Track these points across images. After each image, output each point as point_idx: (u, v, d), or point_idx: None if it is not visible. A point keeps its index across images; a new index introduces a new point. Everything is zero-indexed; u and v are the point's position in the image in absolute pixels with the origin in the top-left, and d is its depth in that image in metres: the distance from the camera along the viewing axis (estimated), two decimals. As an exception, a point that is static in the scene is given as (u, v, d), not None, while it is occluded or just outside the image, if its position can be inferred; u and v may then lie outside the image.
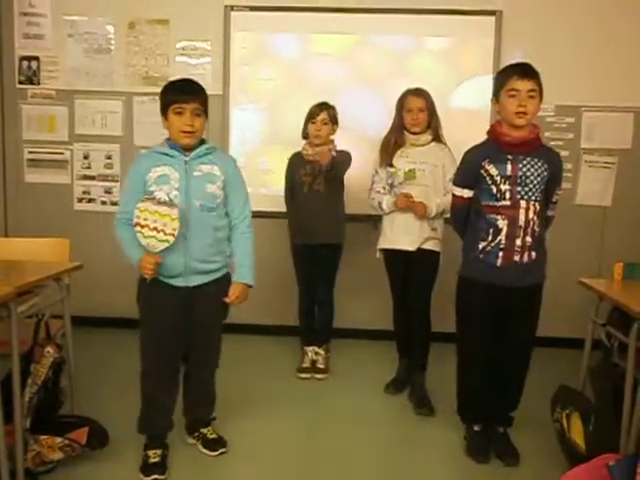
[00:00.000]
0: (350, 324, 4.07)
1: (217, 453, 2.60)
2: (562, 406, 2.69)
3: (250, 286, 2.55)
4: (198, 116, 2.38)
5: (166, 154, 2.39)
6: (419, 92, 3.17)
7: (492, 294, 2.50)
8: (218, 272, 2.49)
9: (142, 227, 2.26)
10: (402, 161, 3.14)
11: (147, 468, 2.44)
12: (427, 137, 3.16)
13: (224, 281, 2.52)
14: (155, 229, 2.25)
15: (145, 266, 2.31)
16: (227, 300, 2.50)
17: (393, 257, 3.23)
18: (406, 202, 3.09)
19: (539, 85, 2.42)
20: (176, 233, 2.26)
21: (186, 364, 2.59)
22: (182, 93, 2.36)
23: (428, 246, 3.14)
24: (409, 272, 3.19)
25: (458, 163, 2.72)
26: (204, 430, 2.66)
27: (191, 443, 2.67)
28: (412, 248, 3.13)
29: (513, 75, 2.41)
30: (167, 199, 2.29)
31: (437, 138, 3.18)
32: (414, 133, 3.16)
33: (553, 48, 3.93)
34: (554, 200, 2.58)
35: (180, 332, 2.46)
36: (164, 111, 2.39)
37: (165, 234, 2.26)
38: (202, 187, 2.40)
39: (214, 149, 2.49)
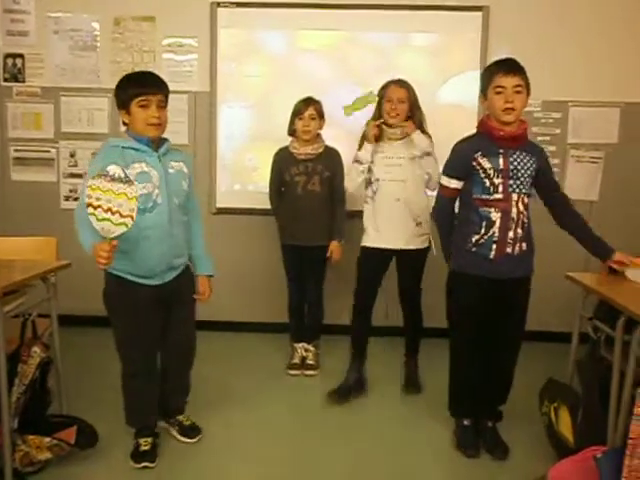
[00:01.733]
0: (339, 321, 4.06)
1: (196, 440, 2.63)
2: (550, 399, 2.71)
3: (212, 276, 2.61)
4: (163, 108, 2.35)
5: (135, 149, 2.32)
6: (402, 83, 3.11)
7: (486, 287, 2.52)
8: (183, 265, 2.53)
9: (95, 208, 2.02)
10: (378, 156, 3.10)
11: (138, 456, 2.48)
12: (404, 131, 3.08)
13: (188, 272, 2.57)
14: (109, 210, 2.01)
15: (100, 254, 2.08)
16: (201, 298, 2.57)
17: (374, 255, 3.15)
18: (375, 127, 3.05)
19: (525, 80, 2.43)
20: (134, 215, 2.05)
21: (162, 361, 2.60)
22: (147, 85, 2.32)
23: (413, 245, 3.11)
24: (397, 269, 3.19)
25: (444, 156, 2.72)
26: (180, 417, 2.69)
27: (164, 427, 2.68)
28: (397, 246, 3.10)
29: (498, 72, 2.43)
30: (122, 175, 2.06)
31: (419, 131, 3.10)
32: (391, 126, 3.08)
33: (540, 43, 3.94)
34: (555, 183, 2.68)
35: (158, 328, 2.49)
36: (125, 104, 2.32)
37: (121, 216, 2.02)
38: (179, 184, 2.41)
39: (172, 146, 2.48)
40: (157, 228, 2.31)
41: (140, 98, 2.29)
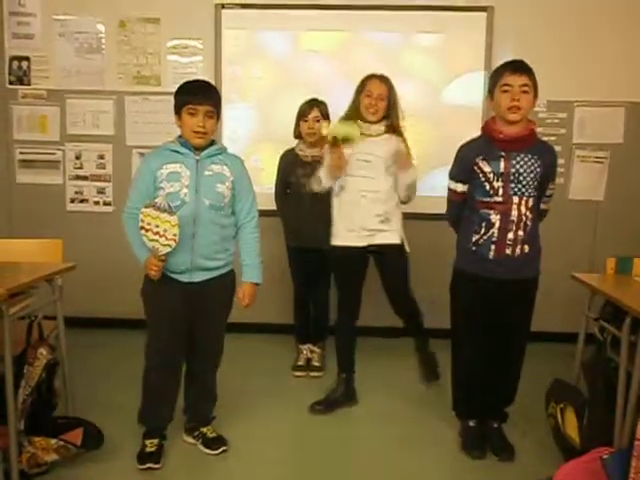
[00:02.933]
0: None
1: (219, 452, 2.61)
2: (556, 400, 2.70)
3: (258, 284, 2.59)
4: (210, 118, 2.42)
5: (177, 152, 2.43)
6: (383, 79, 2.97)
7: (485, 287, 2.52)
8: (223, 269, 2.53)
9: (146, 231, 2.32)
10: (348, 150, 2.92)
11: (143, 457, 2.49)
12: (380, 128, 2.96)
13: (228, 278, 2.57)
14: (158, 234, 2.31)
15: (151, 267, 2.37)
16: (242, 304, 2.56)
17: (345, 254, 3.00)
18: (338, 160, 2.86)
19: (533, 81, 2.43)
20: (177, 239, 2.32)
21: (188, 361, 2.61)
22: (196, 95, 2.41)
23: (378, 241, 2.95)
24: (364, 270, 3.05)
25: (448, 156, 2.71)
26: (204, 429, 2.67)
27: (190, 442, 2.67)
28: (362, 243, 2.96)
29: (506, 71, 2.44)
30: (167, 206, 2.31)
31: (392, 130, 2.98)
32: (369, 122, 2.94)
33: (544, 43, 3.94)
34: (548, 194, 2.60)
35: (184, 327, 2.49)
36: (178, 110, 2.43)
37: (167, 239, 2.31)
38: (212, 186, 2.44)
39: (224, 149, 2.55)
40: (182, 226, 2.35)
41: (189, 106, 2.39)
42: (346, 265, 3.04)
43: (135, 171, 2.52)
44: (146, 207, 2.33)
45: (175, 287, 2.45)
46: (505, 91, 2.41)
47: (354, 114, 2.97)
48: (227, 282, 2.56)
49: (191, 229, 2.39)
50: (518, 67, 2.43)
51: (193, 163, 2.43)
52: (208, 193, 2.43)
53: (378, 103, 2.93)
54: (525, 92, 2.41)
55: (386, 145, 2.94)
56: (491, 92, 2.50)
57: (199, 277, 2.47)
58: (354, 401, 3.13)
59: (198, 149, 2.45)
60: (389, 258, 3.00)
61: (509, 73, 2.41)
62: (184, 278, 2.45)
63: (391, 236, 2.97)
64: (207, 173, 2.44)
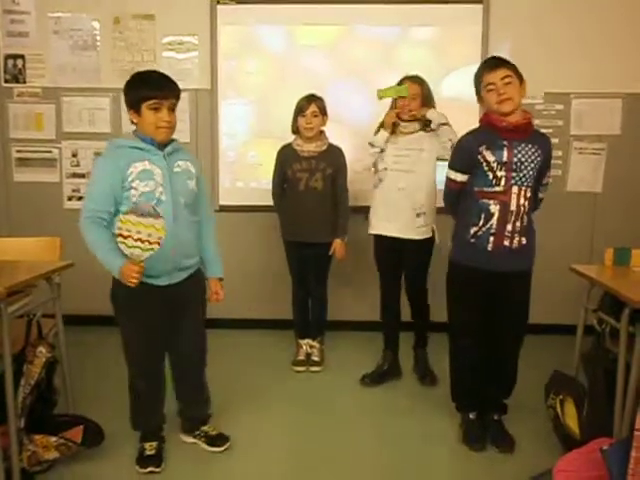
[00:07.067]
0: (344, 316, 4.07)
1: (223, 448, 2.60)
2: (556, 392, 2.71)
3: (222, 279, 2.60)
4: (173, 111, 2.33)
5: (139, 148, 2.30)
6: (415, 79, 3.19)
7: (483, 279, 2.52)
8: (194, 267, 2.50)
9: (125, 238, 2.18)
10: (390, 147, 3.17)
11: (143, 460, 2.46)
12: (415, 126, 3.16)
13: (199, 276, 2.54)
14: (139, 240, 2.17)
15: (131, 275, 2.20)
16: (218, 299, 2.56)
17: (380, 243, 3.26)
18: (393, 115, 3.14)
19: (512, 69, 2.45)
20: (161, 242, 2.20)
21: (174, 363, 2.57)
22: (159, 89, 2.28)
23: (411, 236, 3.14)
24: (400, 259, 3.23)
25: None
26: (205, 428, 2.66)
27: (190, 442, 2.66)
28: (394, 234, 3.16)
29: (484, 70, 2.48)
30: (152, 211, 2.19)
31: (426, 127, 3.16)
32: (404, 120, 3.16)
33: (541, 36, 3.93)
34: (544, 182, 2.61)
35: (164, 332, 2.45)
36: (135, 105, 2.29)
37: (150, 243, 2.19)
38: (184, 183, 2.38)
39: (181, 145, 2.47)
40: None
41: (152, 101, 2.27)
42: (380, 251, 3.28)
43: (94, 171, 2.34)
44: (125, 214, 2.20)
45: (153, 293, 2.35)
46: (490, 90, 2.45)
47: (393, 116, 3.17)
48: (200, 279, 2.54)
49: (172, 229, 2.29)
50: (494, 63, 2.47)
51: (161, 160, 2.31)
52: (182, 191, 2.36)
53: (411, 103, 3.13)
54: (508, 83, 2.43)
55: (423, 141, 3.15)
56: (479, 94, 2.53)
57: (178, 278, 2.41)
58: (400, 375, 3.36)
59: (160, 145, 2.33)
60: (415, 253, 3.18)
61: (488, 71, 2.46)
62: (163, 281, 2.37)
63: (423, 232, 3.16)
64: (177, 170, 2.36)
